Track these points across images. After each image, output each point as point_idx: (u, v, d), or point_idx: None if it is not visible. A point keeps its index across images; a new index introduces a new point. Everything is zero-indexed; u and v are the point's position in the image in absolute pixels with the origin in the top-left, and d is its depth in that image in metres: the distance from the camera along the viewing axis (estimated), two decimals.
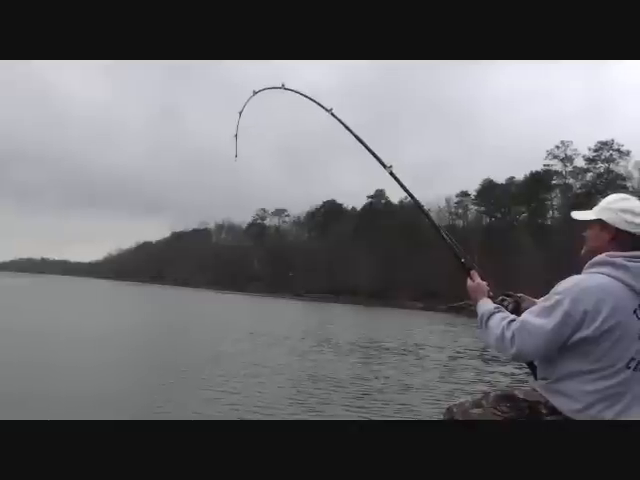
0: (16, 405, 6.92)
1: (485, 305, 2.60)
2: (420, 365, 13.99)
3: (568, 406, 2.34)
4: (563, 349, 2.33)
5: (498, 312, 2.53)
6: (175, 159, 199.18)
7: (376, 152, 3.11)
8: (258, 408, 7.76)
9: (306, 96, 3.46)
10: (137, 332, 18.10)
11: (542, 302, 2.42)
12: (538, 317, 2.35)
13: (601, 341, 2.27)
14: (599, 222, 2.47)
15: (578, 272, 2.46)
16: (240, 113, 3.79)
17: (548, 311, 2.33)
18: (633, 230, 2.40)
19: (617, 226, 2.41)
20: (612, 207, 2.45)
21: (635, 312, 2.30)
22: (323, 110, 3.31)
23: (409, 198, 3.12)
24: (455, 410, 2.60)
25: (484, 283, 2.75)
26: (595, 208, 2.53)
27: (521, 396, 2.49)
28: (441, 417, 2.73)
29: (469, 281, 2.77)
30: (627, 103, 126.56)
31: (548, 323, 2.31)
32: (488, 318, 2.51)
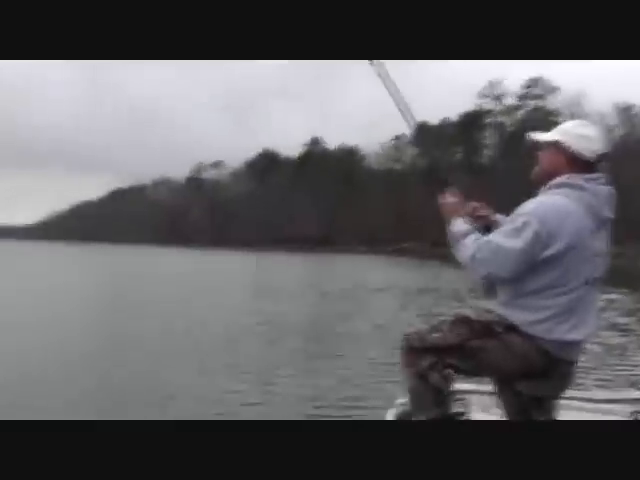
0: None
1: (457, 225, 2.62)
2: (376, 306, 14.38)
3: (525, 318, 2.46)
4: (530, 268, 2.43)
5: (471, 233, 2.56)
6: (111, 117, 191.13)
7: None
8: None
9: None
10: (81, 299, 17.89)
11: (509, 224, 2.49)
12: (507, 238, 2.42)
13: (564, 259, 2.41)
14: (555, 144, 2.53)
15: (520, 202, 2.53)
16: None
17: (517, 232, 2.41)
18: (587, 156, 2.48)
19: (573, 150, 2.48)
20: (570, 131, 2.52)
21: (592, 232, 2.44)
22: None
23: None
24: (413, 337, 2.61)
25: (459, 202, 2.71)
26: (553, 131, 2.58)
27: (474, 317, 2.58)
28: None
29: (444, 197, 2.72)
30: None
31: (518, 244, 2.39)
32: (460, 239, 2.56)
